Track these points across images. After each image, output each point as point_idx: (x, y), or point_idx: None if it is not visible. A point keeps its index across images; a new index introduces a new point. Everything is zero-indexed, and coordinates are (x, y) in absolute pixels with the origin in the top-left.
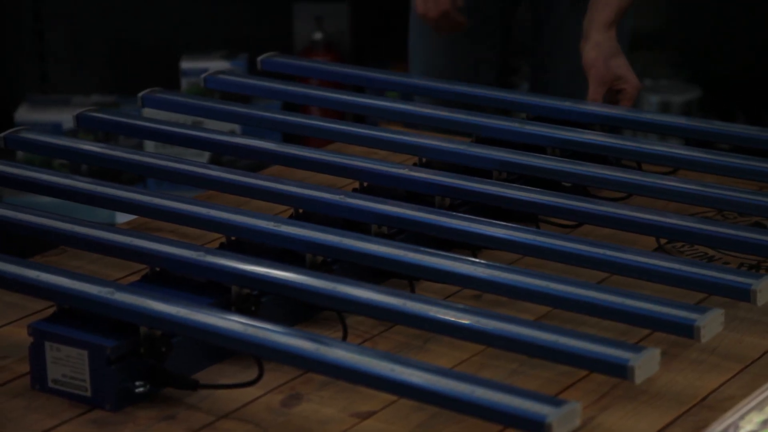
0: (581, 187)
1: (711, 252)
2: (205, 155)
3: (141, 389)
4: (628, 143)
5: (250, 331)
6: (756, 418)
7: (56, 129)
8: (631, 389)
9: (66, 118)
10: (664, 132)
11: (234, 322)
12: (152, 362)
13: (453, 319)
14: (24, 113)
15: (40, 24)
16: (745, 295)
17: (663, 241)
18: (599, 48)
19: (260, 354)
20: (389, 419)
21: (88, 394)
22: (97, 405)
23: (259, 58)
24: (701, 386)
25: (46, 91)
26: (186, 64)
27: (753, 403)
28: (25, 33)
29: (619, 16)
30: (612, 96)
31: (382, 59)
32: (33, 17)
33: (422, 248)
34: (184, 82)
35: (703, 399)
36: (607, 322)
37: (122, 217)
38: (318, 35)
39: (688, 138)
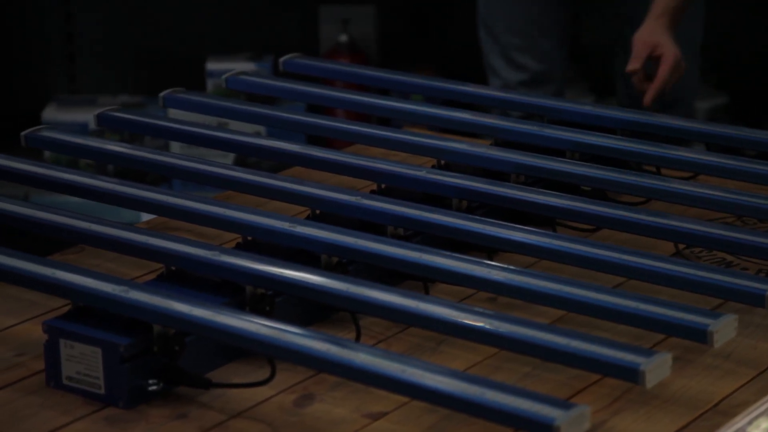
0: (600, 191)
1: (729, 258)
2: (230, 156)
3: (154, 387)
4: (648, 148)
5: (263, 330)
6: (764, 424)
7: (83, 129)
8: (644, 394)
9: (92, 118)
10: (685, 137)
11: (247, 322)
12: (165, 361)
13: (466, 321)
14: (51, 113)
15: (70, 26)
16: (759, 300)
17: (681, 246)
18: (645, 28)
19: (272, 354)
20: (401, 420)
21: (102, 391)
22: (110, 402)
23: (281, 60)
24: (715, 392)
25: (75, 92)
26: (212, 66)
27: (762, 409)
28: (55, 35)
29: (667, 12)
30: (653, 66)
31: (408, 62)
32: (64, 19)
33: (438, 250)
34: (210, 84)
35: (716, 404)
36: (621, 326)
37: (147, 217)
38: (343, 38)
39: (709, 143)
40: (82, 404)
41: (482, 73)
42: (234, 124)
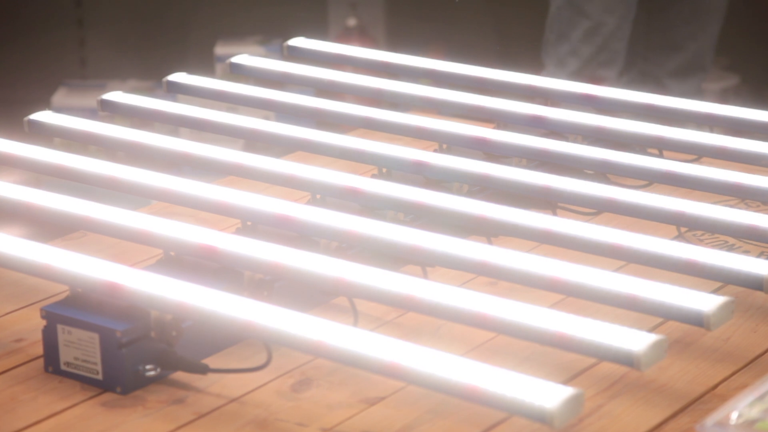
0: (602, 175)
1: (732, 240)
2: (239, 141)
3: (152, 373)
4: (651, 130)
5: (258, 316)
6: (758, 407)
7: (92, 114)
8: (642, 377)
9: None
10: (689, 119)
11: (243, 307)
12: (163, 346)
13: (462, 306)
14: (61, 98)
15: (81, 11)
16: (758, 284)
17: (683, 229)
18: None
19: (268, 339)
20: (397, 405)
21: (100, 377)
22: (108, 388)
23: (285, 43)
24: (713, 375)
25: (86, 77)
26: (220, 50)
27: (757, 392)
28: (66, 20)
29: None
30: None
31: (417, 45)
32: (74, 4)
33: (438, 234)
34: (219, 68)
35: (714, 387)
36: (621, 310)
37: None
38: (352, 21)
39: (713, 125)
40: (79, 390)
41: (491, 55)
42: (240, 109)
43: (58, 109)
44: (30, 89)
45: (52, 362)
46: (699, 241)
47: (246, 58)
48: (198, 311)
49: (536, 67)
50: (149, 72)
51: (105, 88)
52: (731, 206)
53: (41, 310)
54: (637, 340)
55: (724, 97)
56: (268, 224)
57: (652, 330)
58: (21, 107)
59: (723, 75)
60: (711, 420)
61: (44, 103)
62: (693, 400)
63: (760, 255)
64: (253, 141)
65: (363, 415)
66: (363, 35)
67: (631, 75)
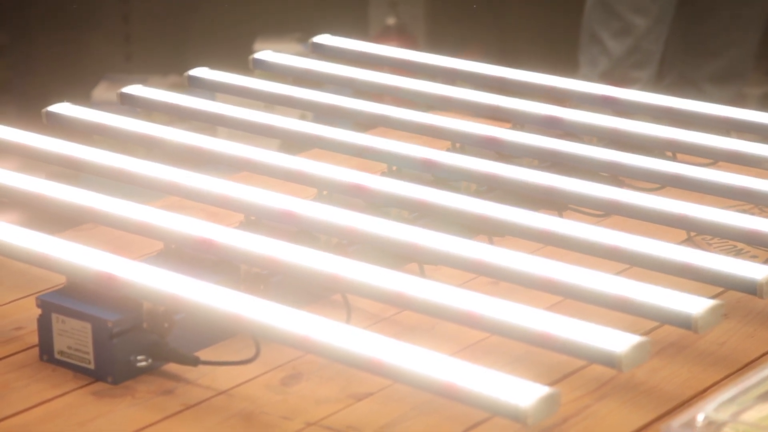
0: (615, 177)
1: (741, 245)
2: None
3: (143, 363)
4: (665, 133)
5: (247, 310)
6: (730, 410)
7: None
8: (632, 379)
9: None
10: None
11: (233, 301)
12: (155, 337)
13: (453, 305)
14: (101, 92)
15: (127, 7)
16: (752, 288)
17: (693, 233)
18: None
19: (255, 333)
20: (384, 401)
21: (92, 366)
22: (99, 378)
23: (311, 40)
24: (704, 379)
25: (131, 72)
26: (259, 47)
27: (728, 394)
28: (113, 16)
29: None
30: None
31: (457, 45)
32: (121, 0)
33: (438, 233)
34: None
35: (704, 391)
36: (617, 312)
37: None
38: (391, 20)
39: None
40: (71, 378)
41: (529, 56)
42: (276, 107)
43: (98, 103)
44: (75, 83)
45: (46, 351)
46: (708, 246)
47: (268, 54)
48: (190, 303)
49: (574, 68)
50: (192, 67)
51: (146, 83)
52: (744, 211)
53: (37, 299)
54: (619, 342)
55: (764, 102)
56: (270, 219)
57: (647, 333)
58: (64, 101)
59: (764, 80)
60: (678, 421)
61: (86, 98)
62: (681, 403)
63: (766, 261)
64: (271, 138)
65: (349, 410)
66: (402, 34)
67: (671, 78)
